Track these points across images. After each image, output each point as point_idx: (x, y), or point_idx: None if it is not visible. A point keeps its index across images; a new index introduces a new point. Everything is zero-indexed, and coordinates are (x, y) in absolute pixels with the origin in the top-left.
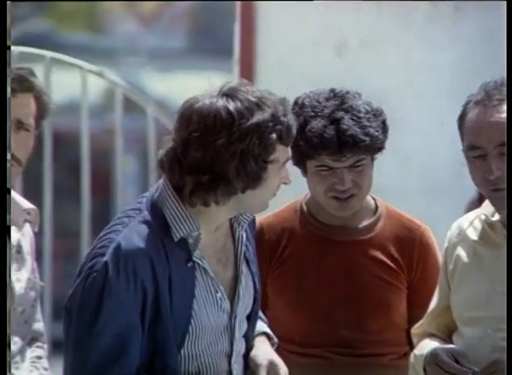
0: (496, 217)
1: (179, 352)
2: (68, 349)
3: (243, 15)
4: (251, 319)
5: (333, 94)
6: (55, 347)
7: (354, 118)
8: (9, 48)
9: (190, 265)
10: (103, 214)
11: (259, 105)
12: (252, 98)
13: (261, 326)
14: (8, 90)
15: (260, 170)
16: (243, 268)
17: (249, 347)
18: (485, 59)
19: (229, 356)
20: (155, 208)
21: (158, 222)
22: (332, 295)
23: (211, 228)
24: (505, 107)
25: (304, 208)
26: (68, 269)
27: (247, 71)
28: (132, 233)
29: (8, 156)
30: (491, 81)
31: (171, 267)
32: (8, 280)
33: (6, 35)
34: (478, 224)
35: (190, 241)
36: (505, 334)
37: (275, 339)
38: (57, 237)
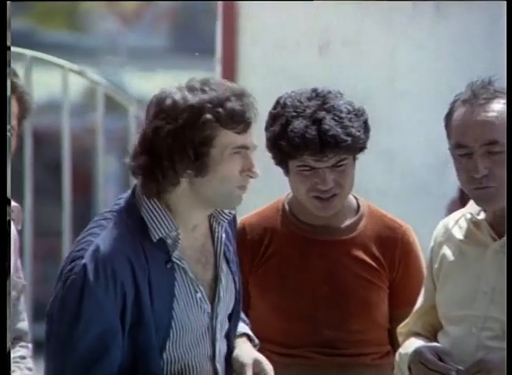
0: (482, 216)
1: (161, 356)
2: (48, 351)
3: (225, 14)
4: (232, 319)
5: (315, 93)
6: (36, 347)
7: (336, 118)
8: (9, 48)
9: (169, 266)
10: (84, 213)
11: (204, 89)
12: (201, 85)
13: (243, 327)
14: (8, 90)
15: (199, 153)
16: (224, 267)
17: (231, 347)
18: (466, 58)
19: (212, 357)
20: (133, 209)
21: (136, 223)
22: (314, 295)
23: (187, 228)
24: (492, 106)
25: (286, 207)
26: (49, 269)
27: (229, 70)
28: (110, 236)
29: (8, 156)
30: (478, 80)
31: (150, 269)
32: (8, 280)
33: (6, 35)
34: (463, 223)
35: (169, 241)
36: (490, 333)
37: (257, 341)
38: (38, 237)
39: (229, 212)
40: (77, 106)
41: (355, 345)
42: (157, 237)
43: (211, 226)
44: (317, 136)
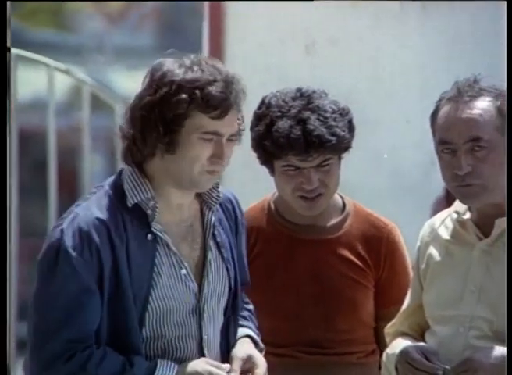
0: (468, 216)
1: (142, 331)
2: (29, 311)
3: (212, 13)
4: (229, 313)
5: (300, 93)
6: (21, 347)
7: (321, 118)
8: (9, 49)
9: (150, 237)
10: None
11: (192, 68)
12: (192, 63)
13: (248, 331)
14: (8, 90)
15: (169, 130)
16: (213, 250)
17: (229, 344)
18: (452, 58)
19: (200, 341)
20: (117, 182)
21: (117, 194)
22: (300, 294)
23: (171, 205)
24: (476, 103)
25: (272, 206)
26: (34, 269)
27: None
28: (90, 205)
29: (8, 156)
30: (464, 78)
31: (129, 238)
32: (8, 280)
33: (6, 35)
34: (449, 223)
35: (149, 212)
36: (477, 332)
37: (262, 345)
38: (23, 237)
39: (217, 196)
40: (63, 105)
41: (341, 344)
42: (132, 202)
43: (202, 210)
44: (301, 136)
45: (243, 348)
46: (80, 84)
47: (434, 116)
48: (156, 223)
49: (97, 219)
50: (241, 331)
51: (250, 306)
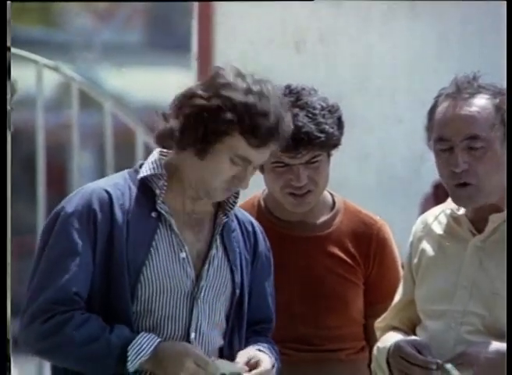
0: (462, 211)
1: (133, 304)
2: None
3: (201, 11)
4: (234, 321)
5: (289, 90)
6: (13, 345)
7: (309, 115)
8: (9, 48)
9: (154, 215)
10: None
11: (255, 91)
12: (259, 85)
13: (261, 348)
14: (8, 90)
15: (206, 139)
16: (220, 249)
17: (233, 351)
18: (440, 57)
19: (188, 327)
20: (137, 166)
21: (133, 174)
22: (289, 291)
23: (184, 196)
24: (475, 101)
25: (262, 203)
26: (24, 267)
27: (206, 67)
28: (103, 180)
29: (8, 155)
30: (463, 75)
31: (133, 212)
32: (8, 279)
33: (6, 35)
34: (443, 218)
35: (157, 191)
36: (469, 328)
37: (273, 361)
38: (12, 235)
39: (234, 202)
40: (52, 102)
41: (331, 341)
42: (141, 175)
43: (216, 213)
44: (290, 133)
45: (249, 349)
46: (69, 81)
47: (432, 111)
48: (163, 205)
49: (103, 189)
50: (254, 347)
51: (276, 347)
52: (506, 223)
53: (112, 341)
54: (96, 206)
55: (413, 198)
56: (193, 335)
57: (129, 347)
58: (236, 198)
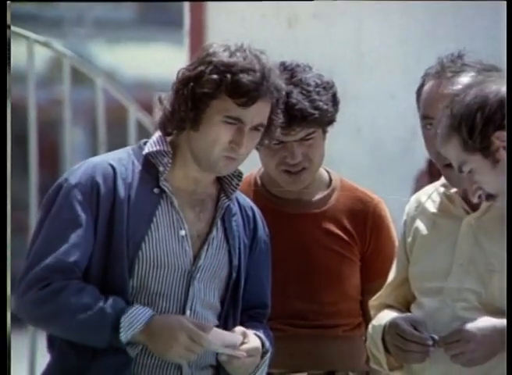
0: (455, 189)
1: (131, 279)
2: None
3: None
4: (229, 305)
5: (283, 67)
6: (13, 320)
7: (304, 91)
8: (9, 48)
9: (156, 191)
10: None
11: (235, 53)
12: (238, 49)
13: (257, 332)
14: (9, 88)
15: (195, 107)
16: (220, 231)
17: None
18: (434, 32)
19: (184, 305)
20: (141, 143)
21: (137, 151)
22: (286, 268)
23: (188, 176)
24: (459, 79)
25: (258, 181)
26: (16, 244)
27: (197, 44)
28: (107, 154)
29: (8, 155)
30: (448, 54)
31: (135, 188)
32: (8, 277)
33: (6, 35)
34: (436, 197)
35: (161, 168)
36: (465, 304)
37: (268, 347)
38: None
39: (237, 184)
40: (43, 78)
41: (327, 317)
42: (146, 151)
43: (218, 195)
44: (284, 110)
45: (242, 327)
46: (60, 57)
47: (419, 91)
48: (166, 182)
49: (107, 163)
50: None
51: (270, 333)
52: (506, 223)
53: (107, 310)
54: (99, 179)
55: (406, 175)
56: (188, 313)
57: (123, 317)
58: (239, 181)
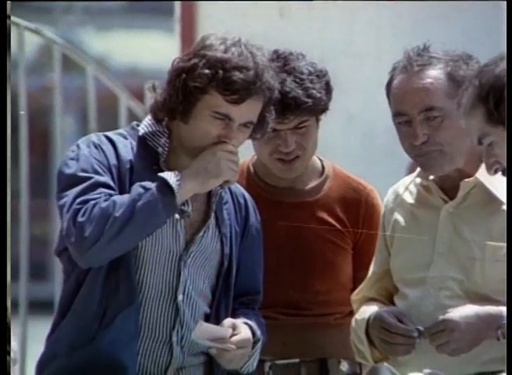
0: (431, 180)
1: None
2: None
3: None
4: (221, 293)
5: (276, 55)
6: (32, 307)
7: (297, 80)
8: (9, 47)
9: (155, 167)
10: (42, 174)
11: (230, 48)
12: (234, 44)
13: (248, 321)
14: (8, 87)
15: (186, 99)
16: (212, 220)
17: (219, 321)
18: (425, 19)
19: (175, 289)
20: (135, 125)
21: (132, 132)
22: (279, 257)
23: (179, 165)
24: (427, 72)
25: (252, 169)
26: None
27: (189, 31)
28: (108, 133)
29: (8, 155)
30: (414, 47)
31: (134, 164)
32: (7, 278)
33: (6, 35)
34: (413, 188)
35: (159, 149)
36: (448, 293)
37: (258, 336)
38: None
39: None
40: (34, 65)
41: (319, 306)
42: (142, 132)
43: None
44: (277, 98)
45: (232, 318)
46: (51, 44)
47: (388, 85)
48: (165, 164)
49: (107, 138)
50: (242, 320)
51: (262, 319)
52: (506, 222)
53: (142, 184)
54: (105, 147)
55: (397, 163)
56: (180, 297)
57: (165, 174)
58: None
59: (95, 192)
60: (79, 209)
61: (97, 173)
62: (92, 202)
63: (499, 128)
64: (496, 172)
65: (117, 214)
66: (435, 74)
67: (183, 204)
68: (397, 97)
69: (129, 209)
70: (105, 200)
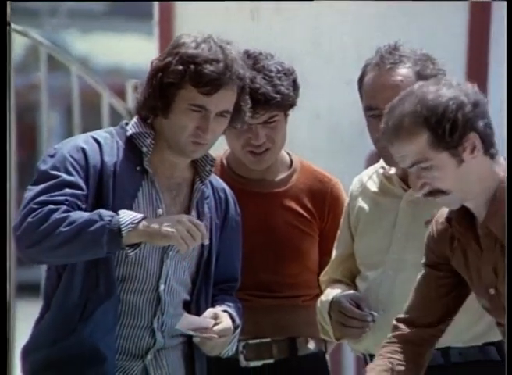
0: (393, 171)
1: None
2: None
3: None
4: (201, 282)
5: (247, 55)
6: (20, 291)
7: (266, 77)
8: (9, 47)
9: (139, 169)
10: (29, 169)
11: (200, 44)
12: (206, 40)
13: (226, 308)
14: (8, 87)
15: (163, 95)
16: (194, 214)
17: (200, 310)
18: (392, 19)
19: (158, 279)
20: (123, 125)
21: (120, 131)
22: (251, 243)
23: (164, 161)
24: (398, 70)
25: (225, 162)
26: None
27: (167, 34)
28: (89, 133)
29: (8, 155)
30: (386, 45)
31: (119, 164)
32: (8, 279)
33: (6, 35)
34: (376, 178)
35: (144, 149)
36: (405, 274)
37: (238, 322)
38: None
39: (210, 170)
40: (21, 64)
41: (288, 288)
42: (129, 132)
43: (193, 179)
44: (248, 94)
45: (213, 309)
46: (37, 45)
47: (360, 81)
48: (149, 163)
49: (92, 138)
50: (221, 306)
51: (239, 305)
52: (506, 223)
53: (102, 213)
54: (89, 153)
55: (358, 157)
56: (162, 287)
57: (121, 214)
58: (212, 166)
59: (59, 193)
60: (34, 210)
61: (67, 172)
62: (50, 207)
63: (443, 153)
64: (425, 193)
65: (64, 229)
66: (405, 72)
67: (158, 206)
68: (369, 92)
69: (76, 231)
70: (65, 211)
